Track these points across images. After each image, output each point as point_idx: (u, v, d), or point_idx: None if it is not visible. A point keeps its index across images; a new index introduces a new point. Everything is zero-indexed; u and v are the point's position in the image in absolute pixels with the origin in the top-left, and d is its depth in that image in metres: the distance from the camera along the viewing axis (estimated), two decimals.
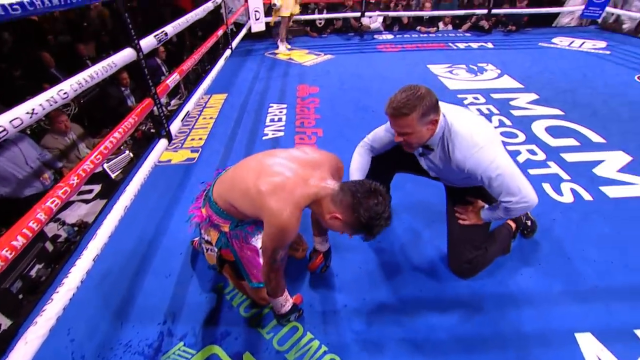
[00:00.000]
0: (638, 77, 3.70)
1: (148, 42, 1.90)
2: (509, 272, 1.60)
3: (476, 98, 3.34)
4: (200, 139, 2.80)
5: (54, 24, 5.31)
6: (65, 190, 1.28)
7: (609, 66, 4.10)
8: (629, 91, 3.43)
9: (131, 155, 3.12)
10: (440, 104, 1.30)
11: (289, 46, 4.97)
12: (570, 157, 2.41)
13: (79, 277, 1.17)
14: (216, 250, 1.37)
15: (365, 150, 1.56)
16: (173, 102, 4.51)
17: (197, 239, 1.63)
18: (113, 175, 2.94)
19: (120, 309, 1.47)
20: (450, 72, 4.02)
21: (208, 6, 3.06)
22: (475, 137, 1.24)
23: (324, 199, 1.12)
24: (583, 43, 4.80)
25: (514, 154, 2.45)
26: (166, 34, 2.11)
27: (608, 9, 4.98)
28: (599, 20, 5.24)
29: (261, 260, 1.32)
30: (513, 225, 1.72)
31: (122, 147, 3.30)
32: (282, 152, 1.25)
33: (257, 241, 1.34)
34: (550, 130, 2.75)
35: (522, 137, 2.66)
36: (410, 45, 5.12)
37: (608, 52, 4.47)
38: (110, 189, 2.70)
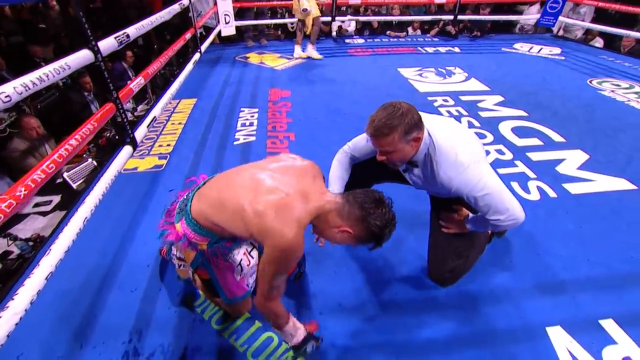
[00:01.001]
0: (589, 82, 3.94)
1: (107, 44, 1.80)
2: (483, 270, 1.63)
3: (445, 100, 3.43)
4: (169, 145, 2.69)
5: (3, 22, 4.97)
6: (9, 203, 1.16)
7: (564, 71, 4.34)
8: (583, 94, 3.64)
9: (95, 163, 2.95)
10: (426, 117, 1.27)
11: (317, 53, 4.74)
12: (535, 156, 2.51)
13: (27, 299, 1.06)
14: (191, 269, 1.28)
15: (346, 158, 1.51)
16: (140, 107, 4.33)
17: (165, 246, 1.53)
18: (74, 185, 2.76)
19: (80, 329, 1.36)
20: (420, 75, 4.12)
21: (174, 8, 2.96)
22: (460, 156, 1.21)
23: (329, 213, 1.06)
24: (541, 49, 5.07)
25: None
26: (128, 36, 2.01)
27: (561, 18, 5.31)
28: (554, 29, 5.56)
29: (237, 277, 1.25)
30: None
31: (84, 155, 3.12)
32: (271, 163, 1.16)
33: (236, 256, 1.26)
34: (516, 130, 2.86)
35: (490, 137, 2.75)
36: (381, 49, 5.20)
37: (563, 58, 4.74)
38: (72, 199, 2.53)
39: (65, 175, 2.77)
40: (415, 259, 1.69)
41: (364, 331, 1.37)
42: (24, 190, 1.20)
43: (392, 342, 1.33)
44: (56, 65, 1.41)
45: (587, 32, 5.46)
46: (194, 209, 1.16)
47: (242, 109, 3.28)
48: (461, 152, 1.22)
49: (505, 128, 2.90)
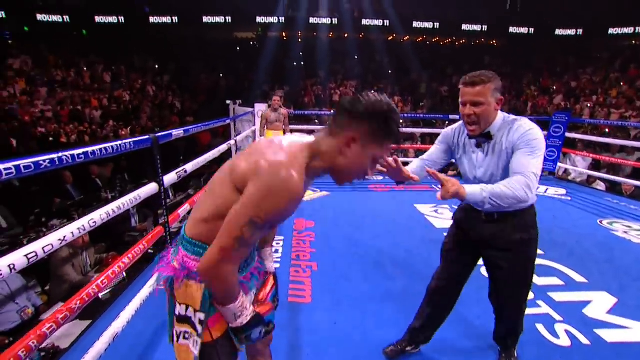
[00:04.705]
0: (600, 222, 4.09)
1: (170, 178, 2.19)
2: None
3: None
4: None
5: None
6: (65, 315, 1.29)
7: (572, 210, 4.56)
8: (596, 234, 3.74)
9: (124, 274, 3.06)
10: None
11: None
12: (558, 297, 2.48)
13: None
14: (203, 318, 0.95)
15: (420, 162, 1.76)
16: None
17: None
18: (101, 295, 2.81)
19: None
20: (436, 211, 4.40)
21: (223, 147, 3.58)
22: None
23: (322, 143, 0.93)
24: (547, 189, 5.44)
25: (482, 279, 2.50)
26: (186, 171, 2.43)
27: (560, 164, 5.91)
28: (555, 171, 6.09)
29: None
30: None
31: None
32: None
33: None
34: None
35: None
36: (398, 186, 5.68)
37: (569, 199, 5.04)
38: (94, 309, 2.54)
39: None
40: None
41: None
42: (79, 304, 1.34)
43: None
44: (131, 196, 1.73)
45: (589, 175, 5.93)
46: (188, 229, 0.98)
47: None
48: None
49: None
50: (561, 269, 2.89)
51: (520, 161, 1.37)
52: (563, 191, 5.36)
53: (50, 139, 7.66)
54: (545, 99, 12.31)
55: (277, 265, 2.90)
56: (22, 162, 1.07)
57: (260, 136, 5.23)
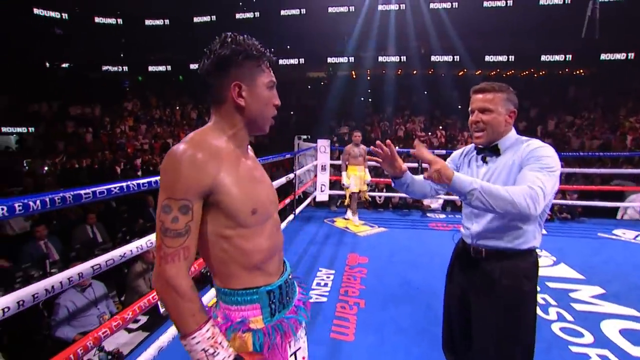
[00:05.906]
0: None
1: None
2: None
3: None
4: None
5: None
6: (118, 323, 1.46)
7: None
8: None
9: None
10: None
11: (357, 219, 5.36)
12: None
13: None
14: None
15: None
16: None
17: None
18: (162, 310, 3.06)
19: None
20: None
21: (281, 181, 3.79)
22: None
23: (221, 114, 0.90)
24: None
25: (580, 359, 2.13)
26: None
27: None
28: None
29: None
30: None
31: None
32: None
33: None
34: (626, 334, 2.40)
35: (589, 337, 2.35)
36: (461, 225, 5.31)
37: None
38: (155, 323, 2.78)
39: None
40: None
41: None
42: (131, 314, 1.50)
43: None
44: None
45: None
46: (216, 278, 0.91)
47: (320, 268, 3.50)
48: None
49: (610, 329, 2.46)
50: None
51: (526, 175, 1.22)
52: None
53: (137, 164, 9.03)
54: None
55: (325, 299, 2.88)
56: (138, 182, 1.51)
57: (343, 172, 5.25)
